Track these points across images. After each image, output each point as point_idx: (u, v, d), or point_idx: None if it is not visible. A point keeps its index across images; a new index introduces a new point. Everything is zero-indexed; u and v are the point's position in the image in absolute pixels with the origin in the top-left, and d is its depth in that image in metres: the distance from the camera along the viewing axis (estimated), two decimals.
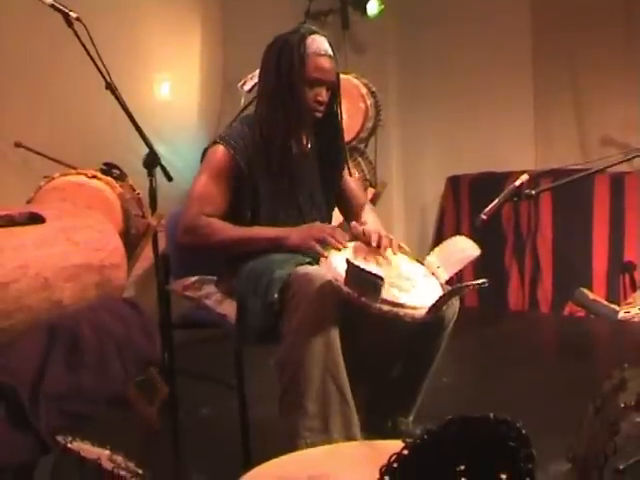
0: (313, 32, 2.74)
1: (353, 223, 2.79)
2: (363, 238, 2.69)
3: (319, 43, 2.72)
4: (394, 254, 2.69)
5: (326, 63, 2.73)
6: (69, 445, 1.59)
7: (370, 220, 2.95)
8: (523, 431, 1.31)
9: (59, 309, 2.00)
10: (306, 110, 2.76)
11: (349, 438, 2.43)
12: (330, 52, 2.75)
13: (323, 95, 2.75)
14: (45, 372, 1.86)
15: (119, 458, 1.59)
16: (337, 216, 3.12)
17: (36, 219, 2.19)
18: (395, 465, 1.32)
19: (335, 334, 2.44)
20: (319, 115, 2.79)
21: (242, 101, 4.05)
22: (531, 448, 1.29)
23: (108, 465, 1.57)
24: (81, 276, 2.08)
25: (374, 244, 2.65)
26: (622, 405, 1.53)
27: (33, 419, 1.79)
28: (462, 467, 1.29)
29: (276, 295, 2.49)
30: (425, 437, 1.33)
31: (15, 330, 1.90)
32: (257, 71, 2.93)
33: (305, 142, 2.89)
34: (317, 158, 2.91)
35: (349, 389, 2.47)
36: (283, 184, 2.80)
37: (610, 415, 1.51)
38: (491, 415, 1.33)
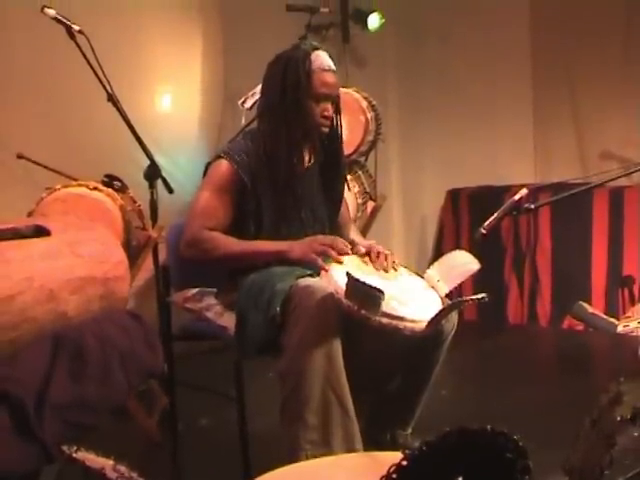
0: (315, 48, 2.78)
1: (353, 242, 2.84)
2: (363, 253, 2.73)
3: (323, 59, 2.76)
4: (395, 270, 2.72)
5: (331, 78, 2.77)
6: (74, 455, 1.61)
7: (358, 240, 2.96)
8: (520, 443, 1.32)
9: (64, 321, 2.01)
10: (314, 125, 2.79)
11: (350, 451, 2.44)
12: (333, 67, 2.79)
13: (329, 110, 2.79)
14: (50, 383, 1.88)
15: (123, 468, 1.60)
16: None
17: (42, 232, 2.20)
18: (394, 476, 1.33)
19: (337, 347, 2.45)
20: (326, 130, 2.82)
21: (243, 120, 4.04)
22: (528, 460, 1.30)
23: (112, 475, 1.58)
24: (85, 288, 2.10)
25: (375, 258, 2.69)
26: (618, 418, 1.54)
27: (38, 429, 1.81)
28: (460, 478, 1.31)
29: (278, 308, 2.51)
30: (423, 448, 1.34)
31: (21, 341, 1.92)
32: (258, 88, 2.94)
33: (308, 157, 2.91)
34: (319, 172, 2.94)
35: (350, 402, 2.48)
36: (286, 199, 2.82)
37: (606, 428, 1.52)
38: (488, 427, 1.34)
